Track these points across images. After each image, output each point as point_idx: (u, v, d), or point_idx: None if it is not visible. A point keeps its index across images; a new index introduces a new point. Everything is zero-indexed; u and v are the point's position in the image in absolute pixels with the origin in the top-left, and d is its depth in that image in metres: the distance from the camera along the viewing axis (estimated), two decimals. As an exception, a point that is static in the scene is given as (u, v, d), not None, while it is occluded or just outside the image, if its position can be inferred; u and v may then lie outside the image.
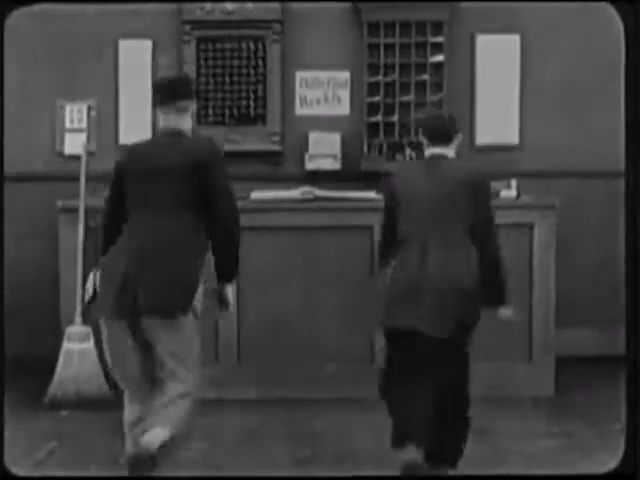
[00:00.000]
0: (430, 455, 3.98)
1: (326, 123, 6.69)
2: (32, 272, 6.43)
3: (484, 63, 6.69)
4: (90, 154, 6.00)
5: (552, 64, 6.66)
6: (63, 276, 5.51)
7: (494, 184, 5.61)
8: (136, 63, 6.67)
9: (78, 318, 5.41)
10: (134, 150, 4.11)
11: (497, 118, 6.68)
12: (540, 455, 4.50)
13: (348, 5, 6.67)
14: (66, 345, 5.40)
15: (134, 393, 3.96)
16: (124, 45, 6.68)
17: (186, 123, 4.06)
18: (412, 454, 3.90)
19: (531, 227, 5.54)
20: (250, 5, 6.58)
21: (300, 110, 6.74)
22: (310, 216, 5.56)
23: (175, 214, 3.91)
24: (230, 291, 4.08)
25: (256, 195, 5.68)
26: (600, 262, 6.55)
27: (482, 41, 6.69)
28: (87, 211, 5.50)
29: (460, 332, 4.02)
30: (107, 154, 6.58)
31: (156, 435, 3.72)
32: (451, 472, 4.14)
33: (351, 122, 6.71)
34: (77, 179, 5.69)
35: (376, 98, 6.64)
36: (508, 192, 5.61)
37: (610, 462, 3.94)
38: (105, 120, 6.65)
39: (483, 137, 6.70)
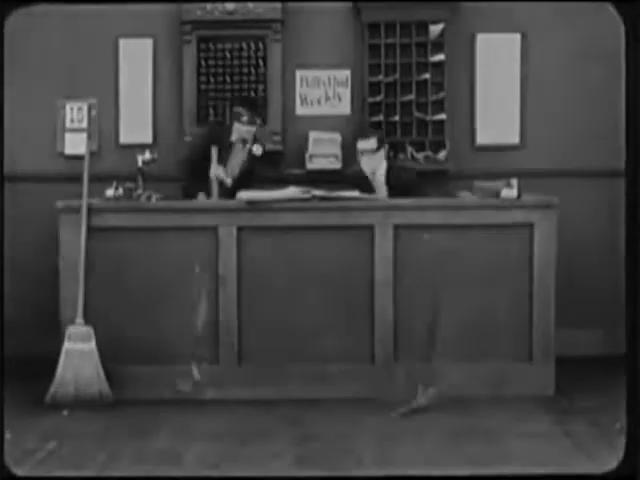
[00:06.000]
0: None
1: (327, 123, 6.69)
2: (32, 272, 6.43)
3: (484, 62, 6.68)
4: (91, 154, 5.99)
5: (552, 63, 6.65)
6: (63, 276, 5.50)
7: (495, 184, 5.68)
8: (136, 62, 6.67)
9: (79, 318, 5.41)
10: None
11: (497, 118, 6.68)
12: (540, 455, 4.50)
13: (348, 5, 6.66)
14: (66, 345, 5.39)
15: None
16: (124, 45, 6.67)
17: None
18: None
19: (532, 227, 5.53)
20: (250, 5, 6.58)
21: (301, 110, 6.74)
22: (311, 216, 5.55)
23: None
24: None
25: (243, 195, 5.58)
26: (600, 262, 6.55)
27: (482, 40, 6.68)
28: (89, 211, 5.49)
29: None
30: (107, 154, 6.63)
31: None
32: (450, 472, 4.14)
33: (352, 122, 6.71)
34: (78, 179, 5.69)
35: (377, 98, 6.64)
36: (509, 192, 5.60)
37: (610, 462, 3.95)
38: (105, 120, 6.66)
39: (483, 137, 6.70)
